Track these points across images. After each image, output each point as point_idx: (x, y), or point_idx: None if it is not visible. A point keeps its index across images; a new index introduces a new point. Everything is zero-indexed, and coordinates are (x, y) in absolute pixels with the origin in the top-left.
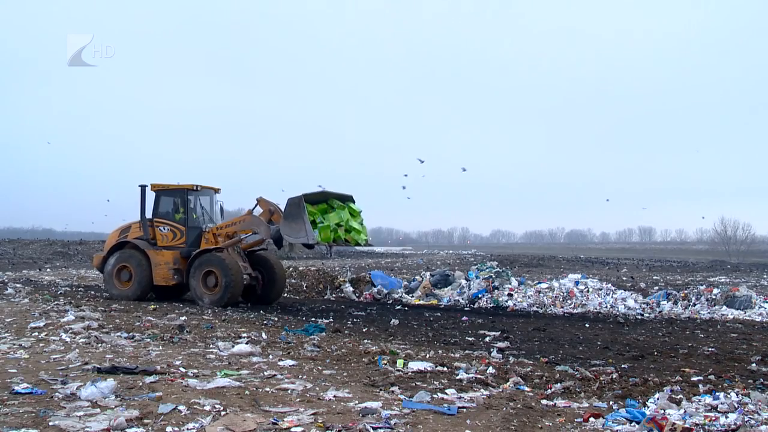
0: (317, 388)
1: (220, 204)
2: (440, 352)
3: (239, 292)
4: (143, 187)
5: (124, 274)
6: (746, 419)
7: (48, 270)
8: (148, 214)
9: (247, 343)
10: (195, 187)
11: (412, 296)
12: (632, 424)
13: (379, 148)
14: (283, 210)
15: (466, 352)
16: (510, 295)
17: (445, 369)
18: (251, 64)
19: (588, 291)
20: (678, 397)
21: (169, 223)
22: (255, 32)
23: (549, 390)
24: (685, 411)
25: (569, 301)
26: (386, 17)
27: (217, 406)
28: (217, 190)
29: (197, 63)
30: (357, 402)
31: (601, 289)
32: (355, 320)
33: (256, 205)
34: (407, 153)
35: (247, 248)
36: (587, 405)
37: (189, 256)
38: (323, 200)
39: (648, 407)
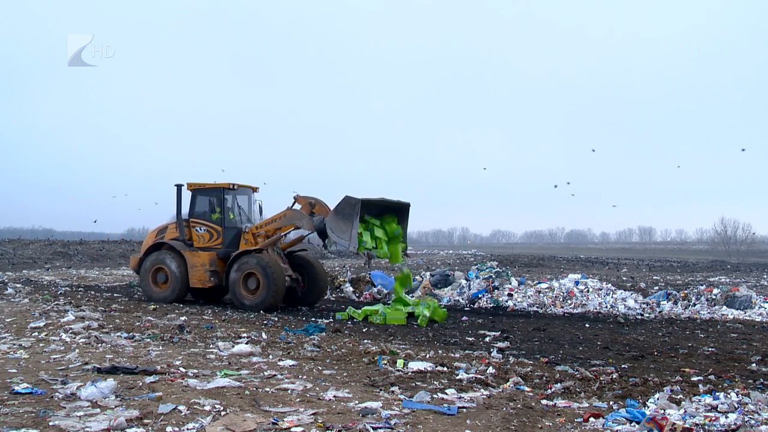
0: (317, 388)
1: (258, 203)
2: (440, 352)
3: (282, 294)
4: (179, 187)
5: (160, 275)
6: (746, 419)
7: (48, 270)
8: (185, 215)
9: (247, 343)
10: (232, 186)
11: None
12: (632, 424)
13: (380, 149)
14: (325, 202)
15: (466, 352)
16: (510, 295)
17: (445, 369)
18: (255, 64)
19: (588, 291)
20: (678, 397)
21: (205, 223)
22: (259, 32)
23: (549, 390)
24: (685, 411)
25: (569, 301)
26: (396, 19)
27: (217, 406)
28: (255, 189)
29: (199, 63)
30: (357, 402)
31: (601, 289)
32: (355, 320)
33: (294, 203)
34: (408, 154)
35: (287, 248)
36: (587, 405)
37: (226, 257)
38: (380, 207)
39: (648, 407)
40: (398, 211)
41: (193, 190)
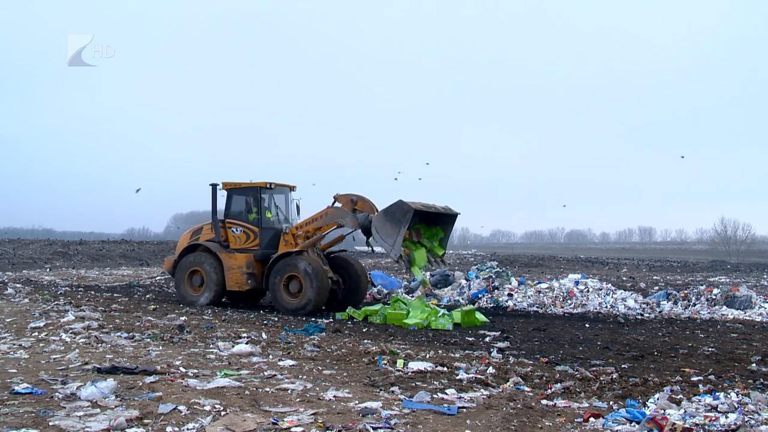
0: (317, 388)
1: (296, 202)
2: (440, 352)
3: (325, 297)
4: (214, 186)
5: (195, 278)
6: (746, 419)
7: (48, 270)
8: (220, 215)
9: (247, 343)
10: (269, 185)
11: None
12: (632, 424)
13: (381, 150)
14: (368, 198)
15: (466, 352)
16: (510, 295)
17: (445, 369)
18: (260, 63)
19: (588, 291)
20: (678, 397)
21: (241, 224)
22: (263, 30)
23: (549, 390)
24: (685, 411)
25: (569, 301)
26: (405, 18)
27: (217, 406)
28: (292, 188)
29: (203, 63)
30: (357, 402)
31: (601, 289)
32: (355, 320)
33: (334, 202)
34: (409, 154)
35: (326, 248)
36: (587, 405)
37: (263, 259)
38: (430, 215)
39: (648, 407)
40: (445, 218)
41: (228, 189)
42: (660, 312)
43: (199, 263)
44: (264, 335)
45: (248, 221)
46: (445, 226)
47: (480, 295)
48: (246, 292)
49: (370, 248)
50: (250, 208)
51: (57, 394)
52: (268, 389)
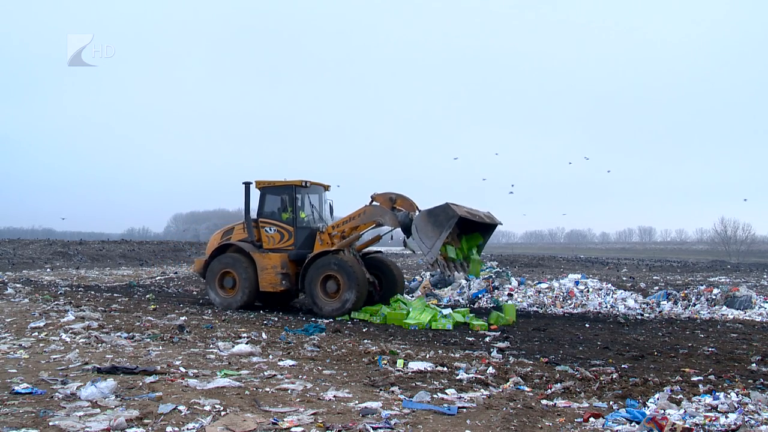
0: (317, 388)
1: (329, 202)
2: (440, 352)
3: (364, 297)
4: (247, 185)
5: (227, 280)
6: (746, 419)
7: (48, 270)
8: (253, 214)
9: (247, 343)
10: (304, 184)
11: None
12: (632, 424)
13: (381, 150)
14: (407, 196)
15: (466, 352)
16: (510, 295)
17: (445, 369)
18: (261, 64)
19: (588, 291)
20: (678, 397)
21: (275, 223)
22: (265, 29)
23: (549, 390)
24: (685, 411)
25: (569, 301)
26: (410, 19)
27: (217, 406)
28: (326, 188)
29: (205, 63)
30: (357, 402)
31: (601, 289)
32: (355, 320)
33: (372, 201)
34: (409, 153)
35: (361, 249)
36: (587, 405)
37: (298, 259)
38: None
39: (648, 407)
40: (485, 225)
41: (262, 188)
42: (660, 312)
43: (232, 264)
44: (264, 335)
45: (282, 220)
46: (484, 233)
47: (480, 295)
48: (279, 293)
49: (409, 249)
50: (284, 207)
51: (57, 394)
52: (268, 389)
